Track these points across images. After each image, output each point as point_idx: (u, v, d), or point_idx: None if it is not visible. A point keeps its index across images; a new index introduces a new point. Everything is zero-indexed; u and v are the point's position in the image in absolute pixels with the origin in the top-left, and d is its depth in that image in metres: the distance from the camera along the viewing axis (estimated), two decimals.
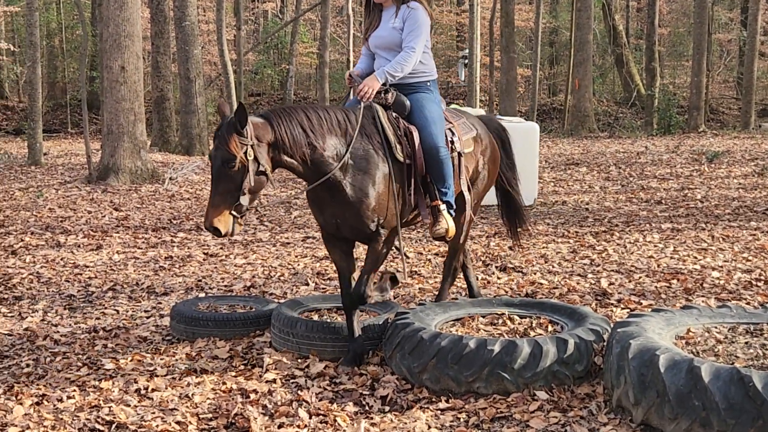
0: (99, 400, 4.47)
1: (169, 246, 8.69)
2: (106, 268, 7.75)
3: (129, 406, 4.38)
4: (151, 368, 4.99)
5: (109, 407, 4.34)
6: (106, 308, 6.45)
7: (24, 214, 10.58)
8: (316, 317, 5.57)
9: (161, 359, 5.16)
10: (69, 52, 33.52)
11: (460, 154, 5.29)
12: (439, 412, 4.26)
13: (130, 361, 5.14)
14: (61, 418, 4.20)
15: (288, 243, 8.83)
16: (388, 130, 4.93)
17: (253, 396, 4.46)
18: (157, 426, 4.09)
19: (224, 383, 4.71)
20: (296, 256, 8.14)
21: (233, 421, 4.13)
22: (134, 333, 5.77)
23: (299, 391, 4.53)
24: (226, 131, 4.42)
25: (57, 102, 31.84)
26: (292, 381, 4.68)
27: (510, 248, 8.00)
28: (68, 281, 7.27)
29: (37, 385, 4.74)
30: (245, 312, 5.81)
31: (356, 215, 4.84)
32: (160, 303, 6.55)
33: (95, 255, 8.29)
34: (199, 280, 7.21)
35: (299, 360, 4.93)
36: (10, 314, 6.28)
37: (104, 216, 10.39)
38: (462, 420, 4.17)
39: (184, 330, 5.59)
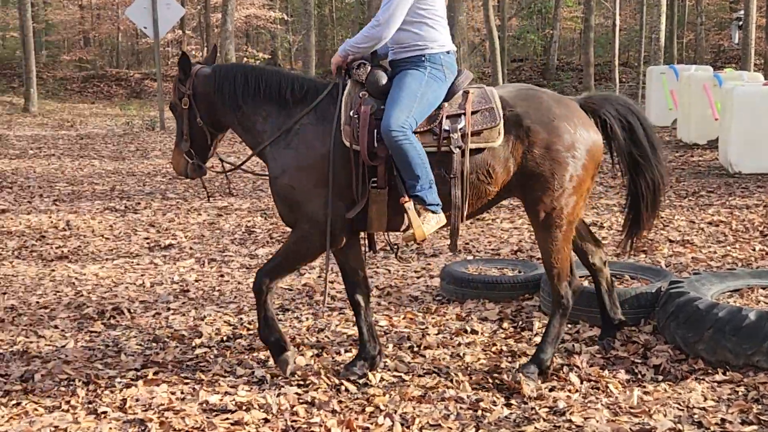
0: None
1: None
2: None
3: (403, 362, 4.53)
4: (423, 327, 5.13)
5: (384, 362, 4.51)
6: (377, 268, 6.68)
7: None
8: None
9: (432, 318, 5.29)
10: (339, 20, 34.94)
11: (462, 150, 4.23)
12: (715, 384, 4.08)
13: (403, 319, 5.31)
14: (337, 370, 4.41)
15: None
16: (342, 110, 4.27)
17: (523, 359, 4.47)
18: (433, 381, 4.21)
19: (494, 344, 4.75)
20: None
21: (503, 383, 4.17)
22: (405, 292, 5.94)
23: (569, 356, 4.48)
24: (175, 79, 4.58)
25: (326, 69, 33.28)
26: (561, 345, 4.63)
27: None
28: None
29: (317, 337, 5.02)
30: (514, 275, 5.82)
31: (273, 195, 4.47)
32: (429, 264, 6.69)
33: None
34: (466, 243, 7.29)
35: (569, 325, 4.86)
36: None
37: None
38: (740, 393, 3.96)
39: (454, 291, 5.69)
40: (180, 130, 4.57)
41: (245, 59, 28.95)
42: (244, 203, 9.33)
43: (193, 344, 4.91)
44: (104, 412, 3.99)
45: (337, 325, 5.25)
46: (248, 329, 5.17)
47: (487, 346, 4.74)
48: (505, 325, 5.10)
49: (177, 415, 3.92)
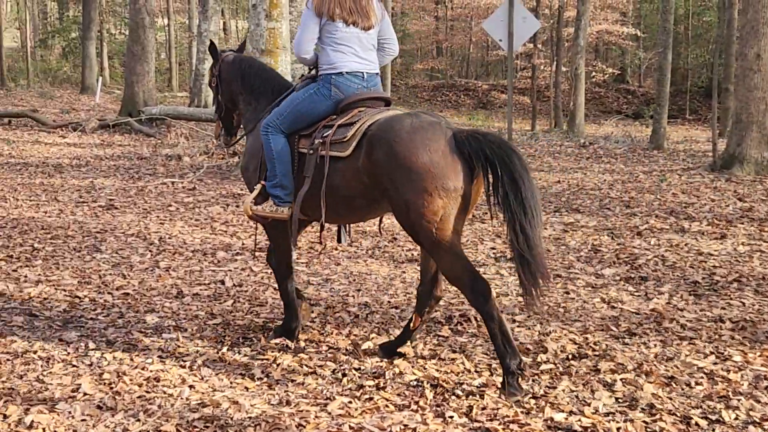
0: (727, 390, 4.38)
1: None
2: (730, 258, 7.55)
3: (758, 402, 4.22)
4: None
5: (738, 399, 4.22)
6: (731, 299, 6.28)
7: (648, 197, 10.82)
8: None
9: None
10: (695, 38, 33.51)
11: (322, 157, 4.70)
12: None
13: (759, 356, 4.94)
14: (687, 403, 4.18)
15: None
16: None
17: None
18: None
19: None
20: None
21: None
22: (761, 327, 5.53)
23: None
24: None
25: (677, 88, 32.07)
26: None
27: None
28: (692, 267, 7.23)
29: (666, 366, 4.80)
30: None
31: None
32: None
33: (719, 244, 8.13)
34: None
35: None
36: (636, 293, 6.45)
37: (728, 205, 10.15)
38: None
39: None
40: (214, 104, 5.80)
41: (593, 74, 28.69)
42: (591, 221, 9.20)
43: (539, 359, 4.90)
44: (451, 417, 4.08)
45: (687, 355, 4.99)
46: (593, 350, 5.06)
47: None
48: None
49: (522, 428, 3.92)
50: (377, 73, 5.15)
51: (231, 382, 4.61)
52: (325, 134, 4.79)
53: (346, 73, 4.97)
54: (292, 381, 4.63)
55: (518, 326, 5.58)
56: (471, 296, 4.40)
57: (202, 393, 4.45)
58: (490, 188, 4.34)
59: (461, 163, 4.33)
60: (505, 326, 4.39)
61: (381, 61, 5.24)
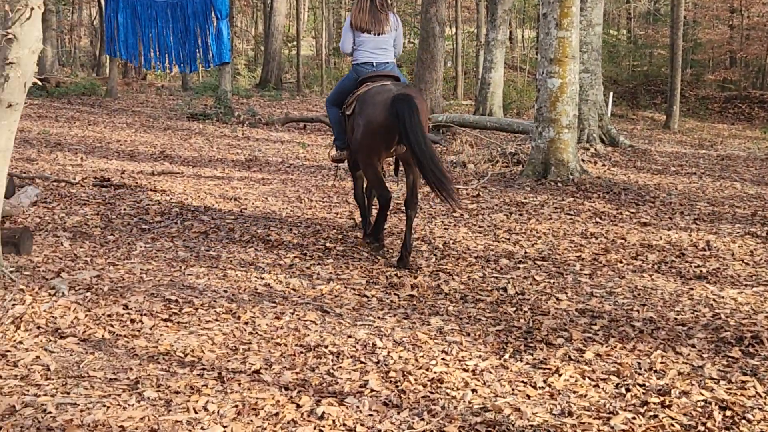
0: None
1: None
2: None
3: None
4: None
5: None
6: None
7: None
8: None
9: None
10: None
11: (345, 113, 7.84)
12: None
13: None
14: None
15: None
16: None
17: None
18: None
19: None
20: None
21: None
22: None
23: None
24: None
25: None
26: None
27: None
28: None
29: None
30: None
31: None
32: None
33: None
34: None
35: None
36: None
37: None
38: None
39: None
40: None
41: None
42: None
43: None
44: None
45: None
46: None
47: None
48: None
49: None
50: (387, 62, 7.86)
51: (513, 389, 4.65)
52: (346, 102, 7.81)
53: (362, 63, 7.86)
54: (575, 392, 4.59)
55: None
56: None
57: (485, 398, 4.52)
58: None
59: (389, 114, 6.99)
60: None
61: (395, 54, 8.03)
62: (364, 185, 8.34)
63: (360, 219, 8.62)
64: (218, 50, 19.42)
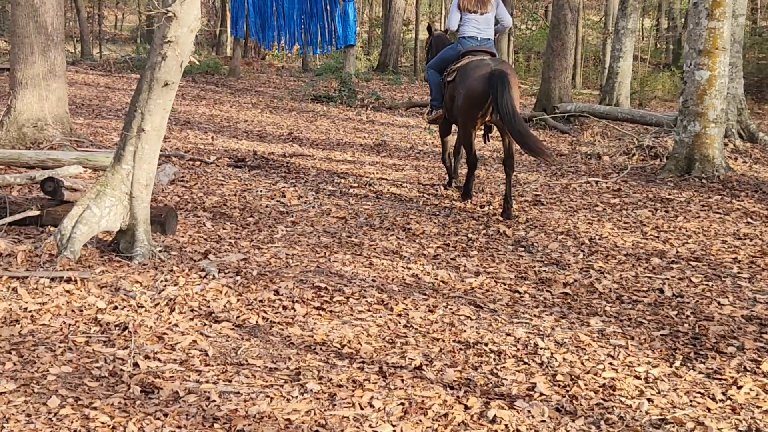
0: None
1: None
2: None
3: None
4: None
5: None
6: None
7: None
8: None
9: None
10: None
11: (446, 81, 9.13)
12: None
13: None
14: None
15: None
16: None
17: None
18: None
19: None
20: None
21: None
22: None
23: None
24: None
25: None
26: None
27: None
28: None
29: None
30: None
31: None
32: None
33: None
34: None
35: None
36: None
37: None
38: None
39: None
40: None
41: None
42: None
43: None
44: None
45: None
46: None
47: None
48: None
49: None
50: (488, 38, 9.06)
51: (690, 400, 4.38)
52: (448, 69, 9.02)
53: (468, 36, 9.04)
54: (758, 407, 4.30)
55: None
56: None
57: (662, 408, 4.27)
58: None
59: (486, 86, 8.11)
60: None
61: (498, 30, 9.33)
62: (450, 151, 9.89)
63: (448, 179, 10.16)
64: (344, 32, 19.41)
